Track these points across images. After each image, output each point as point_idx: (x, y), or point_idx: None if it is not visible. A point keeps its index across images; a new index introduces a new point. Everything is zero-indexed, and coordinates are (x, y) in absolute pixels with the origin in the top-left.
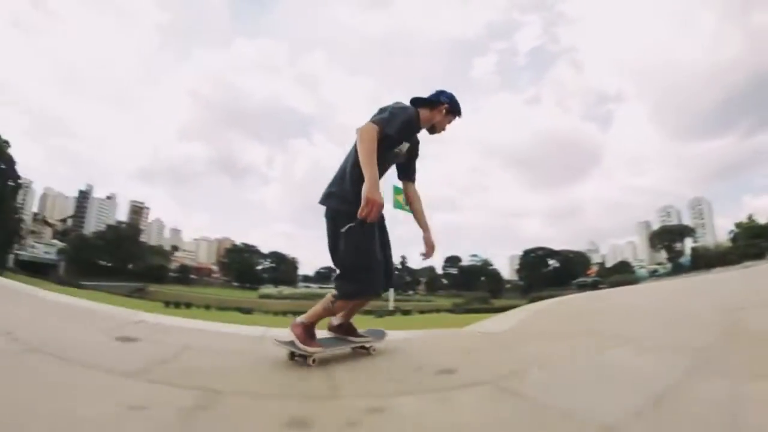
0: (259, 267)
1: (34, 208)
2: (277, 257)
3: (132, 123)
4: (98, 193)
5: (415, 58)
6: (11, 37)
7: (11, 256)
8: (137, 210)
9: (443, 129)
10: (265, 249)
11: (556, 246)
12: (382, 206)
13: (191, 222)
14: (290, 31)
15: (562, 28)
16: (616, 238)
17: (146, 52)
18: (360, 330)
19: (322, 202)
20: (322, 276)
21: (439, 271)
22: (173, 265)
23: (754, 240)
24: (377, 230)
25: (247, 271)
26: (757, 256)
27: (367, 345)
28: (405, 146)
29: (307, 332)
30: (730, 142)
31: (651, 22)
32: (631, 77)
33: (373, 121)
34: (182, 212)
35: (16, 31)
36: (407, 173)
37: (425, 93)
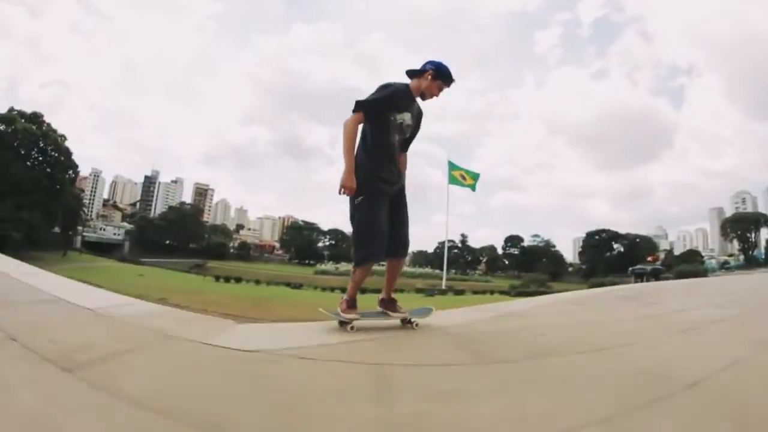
0: (320, 244)
1: (105, 195)
2: (337, 234)
3: (194, 111)
4: (164, 178)
5: (475, 34)
6: (71, 42)
7: (79, 238)
8: (201, 192)
9: (433, 95)
10: (326, 226)
11: (623, 230)
12: (352, 190)
13: (258, 201)
14: (346, 13)
15: None
16: (687, 225)
17: (202, 43)
18: (403, 309)
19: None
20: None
21: (500, 251)
22: (235, 243)
23: None
24: (390, 206)
25: (307, 248)
26: None
27: (412, 320)
28: (406, 116)
29: (348, 304)
30: None
31: None
32: (704, 48)
33: (354, 109)
34: (248, 192)
35: (75, 35)
36: (406, 143)
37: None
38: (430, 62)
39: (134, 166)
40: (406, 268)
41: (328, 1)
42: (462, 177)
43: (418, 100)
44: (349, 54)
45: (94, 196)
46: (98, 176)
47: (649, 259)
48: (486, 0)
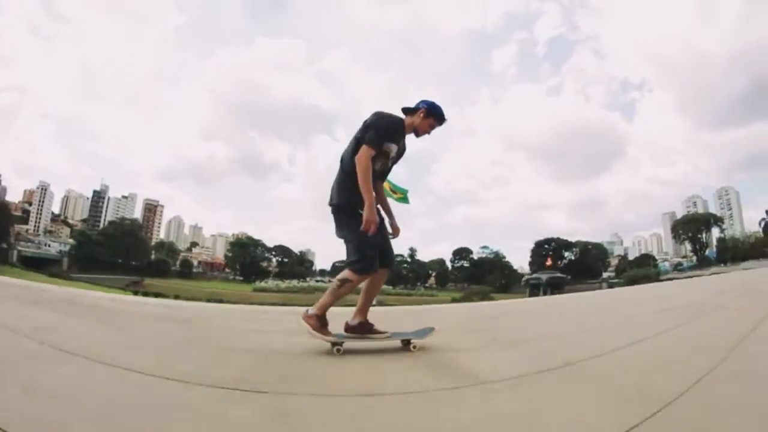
0: (265, 263)
1: (57, 210)
2: (283, 251)
3: (153, 124)
4: (119, 193)
5: (434, 52)
6: (31, 45)
7: (15, 252)
8: (151, 208)
9: (425, 132)
10: (271, 243)
11: (582, 239)
12: (378, 224)
13: (215, 219)
14: (309, 29)
15: (582, 16)
16: (642, 231)
17: (164, 55)
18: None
19: (330, 202)
20: (337, 269)
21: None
22: (185, 261)
23: None
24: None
25: (251, 265)
26: None
27: (411, 341)
28: (393, 147)
29: (320, 322)
30: (760, 129)
31: (673, 7)
32: (654, 64)
33: (367, 143)
34: (206, 210)
35: (35, 39)
36: (384, 174)
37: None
38: (423, 101)
39: (89, 180)
40: None
41: (292, 16)
42: (392, 190)
43: (410, 137)
44: (311, 70)
45: (41, 210)
46: (46, 189)
47: (548, 264)
48: (446, 19)
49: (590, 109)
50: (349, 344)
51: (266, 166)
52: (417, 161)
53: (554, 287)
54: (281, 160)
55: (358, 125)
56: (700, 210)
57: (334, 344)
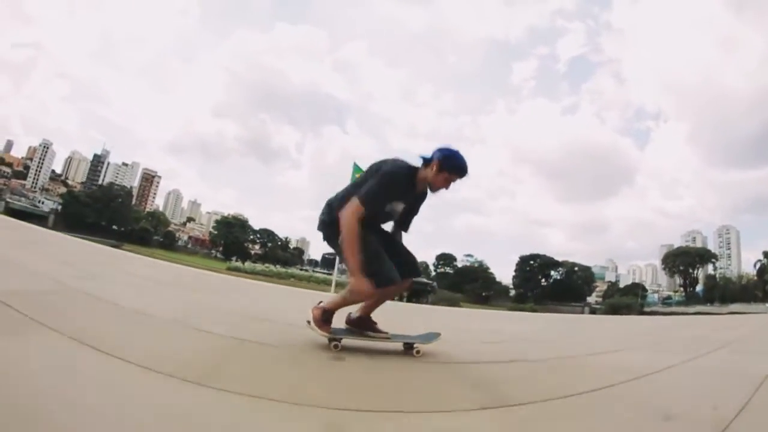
0: (250, 243)
1: (59, 169)
2: (267, 234)
3: (166, 95)
4: (125, 160)
5: (453, 55)
6: (55, 5)
7: (2, 203)
8: (148, 178)
9: (442, 188)
10: (270, 227)
11: (578, 260)
12: (370, 294)
13: (217, 197)
14: (332, 19)
15: (606, 38)
16: (639, 260)
17: (185, 28)
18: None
19: (318, 228)
20: (326, 261)
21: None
22: (165, 233)
23: None
24: (376, 235)
25: (233, 245)
26: None
27: (414, 345)
28: (399, 206)
29: (323, 316)
30: (766, 174)
31: (698, 41)
32: (673, 95)
33: (358, 198)
34: (209, 187)
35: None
36: (403, 224)
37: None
38: (438, 150)
39: (97, 144)
40: None
41: (316, 4)
42: None
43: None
44: (329, 60)
45: (41, 167)
46: (48, 148)
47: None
48: (470, 25)
49: (603, 132)
50: (348, 342)
51: (274, 151)
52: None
53: (414, 294)
54: (289, 147)
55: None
56: (699, 245)
57: (331, 340)
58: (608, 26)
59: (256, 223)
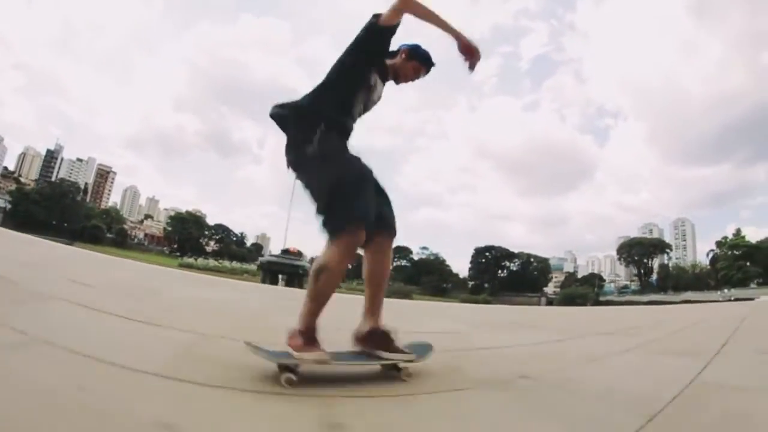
0: (204, 240)
1: (12, 166)
2: (222, 230)
3: (126, 88)
4: (79, 155)
5: None
6: None
7: None
8: (103, 174)
9: (409, 78)
10: (246, 228)
11: (538, 252)
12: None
13: (178, 194)
14: (296, 12)
15: (569, 39)
16: (597, 252)
17: (147, 20)
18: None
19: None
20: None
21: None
22: (118, 230)
23: (739, 262)
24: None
25: (187, 241)
26: (741, 282)
27: (400, 365)
28: (380, 88)
29: (304, 338)
30: (722, 171)
31: (659, 43)
32: (632, 95)
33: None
34: (168, 184)
35: None
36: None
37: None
38: (404, 43)
39: (53, 139)
40: None
41: None
42: None
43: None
44: (293, 53)
45: None
46: None
47: (291, 249)
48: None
49: (564, 129)
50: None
51: (235, 146)
52: (386, 158)
53: (295, 278)
54: (251, 142)
55: None
56: (656, 236)
57: (286, 368)
58: (571, 26)
59: (216, 220)
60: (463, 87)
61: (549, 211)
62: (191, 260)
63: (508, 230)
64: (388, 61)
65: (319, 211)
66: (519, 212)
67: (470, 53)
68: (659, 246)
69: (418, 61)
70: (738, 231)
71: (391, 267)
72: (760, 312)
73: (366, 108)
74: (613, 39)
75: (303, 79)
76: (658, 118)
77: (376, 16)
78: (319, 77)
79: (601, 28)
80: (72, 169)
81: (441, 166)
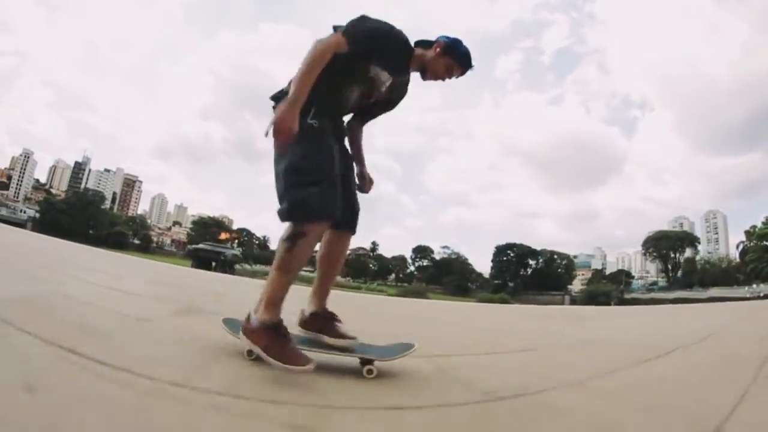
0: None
1: (43, 178)
2: (245, 233)
3: (152, 99)
4: (107, 166)
5: None
6: (35, 15)
7: None
8: (129, 183)
9: (438, 76)
10: (260, 230)
11: (568, 250)
12: (292, 132)
13: (207, 201)
14: (315, 18)
15: (590, 30)
16: (628, 248)
17: (170, 31)
18: (351, 332)
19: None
20: (309, 261)
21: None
22: (142, 236)
23: None
24: (339, 155)
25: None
26: None
27: (373, 361)
28: (384, 75)
29: (276, 337)
30: (754, 159)
31: (681, 29)
32: (658, 84)
33: (342, 32)
34: (198, 191)
35: (40, 9)
36: (366, 115)
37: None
38: (444, 35)
39: (82, 152)
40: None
41: (299, 4)
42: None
43: (415, 76)
44: None
45: (22, 177)
46: (29, 157)
47: (221, 237)
48: (452, 18)
49: (590, 122)
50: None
51: (260, 151)
52: (413, 157)
53: (228, 267)
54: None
55: None
56: (687, 230)
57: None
58: (592, 17)
59: (246, 225)
60: (485, 84)
61: (578, 206)
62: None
63: (538, 227)
64: (418, 51)
65: (281, 195)
66: (548, 209)
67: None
68: (687, 239)
69: (453, 59)
70: (767, 219)
71: (342, 258)
72: None
73: (368, 98)
74: (634, 27)
75: None
76: (685, 106)
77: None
78: None
79: (620, 16)
80: (100, 180)
81: (468, 164)
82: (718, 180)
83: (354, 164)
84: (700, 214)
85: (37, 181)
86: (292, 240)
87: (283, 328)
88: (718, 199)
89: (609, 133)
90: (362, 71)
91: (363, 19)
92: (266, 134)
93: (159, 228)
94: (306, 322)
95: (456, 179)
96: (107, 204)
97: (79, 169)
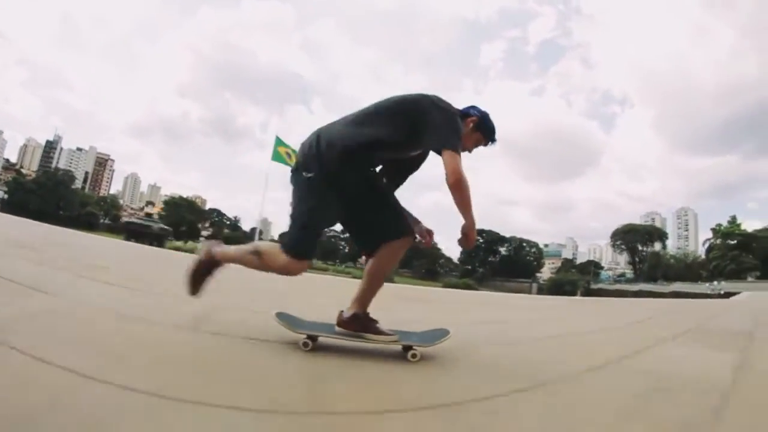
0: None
1: (13, 158)
2: (217, 214)
3: (130, 77)
4: (83, 145)
5: (422, 34)
6: None
7: None
8: (102, 162)
9: (467, 150)
10: (236, 210)
11: (541, 239)
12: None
13: (183, 181)
14: None
15: (576, 23)
16: (600, 239)
17: (150, 6)
18: (390, 330)
19: (296, 165)
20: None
21: None
22: (112, 216)
23: (734, 252)
24: (354, 199)
25: (180, 225)
26: (735, 274)
27: (414, 347)
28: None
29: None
30: (731, 161)
31: (668, 30)
32: (640, 82)
33: (452, 149)
34: (174, 171)
35: None
36: (401, 179)
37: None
38: (474, 107)
39: (58, 130)
40: None
41: None
42: (287, 155)
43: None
44: (297, 38)
45: None
46: None
47: (148, 212)
48: (440, 3)
49: (570, 114)
50: (325, 340)
51: (238, 131)
52: None
53: (157, 240)
54: (254, 127)
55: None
56: (658, 226)
57: (307, 337)
58: (578, 11)
59: (220, 206)
60: (468, 70)
61: (554, 197)
62: (179, 243)
63: (514, 215)
64: None
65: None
66: (525, 197)
67: (468, 242)
68: (655, 234)
69: (483, 134)
70: (733, 218)
71: (394, 266)
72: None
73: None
74: (620, 24)
75: (306, 64)
76: (665, 105)
77: (449, 145)
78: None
79: (607, 12)
80: (72, 159)
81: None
82: (694, 179)
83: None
84: (673, 211)
85: (7, 161)
86: (255, 254)
87: (200, 274)
88: (692, 197)
89: (589, 127)
90: (411, 149)
91: (450, 118)
92: (466, 246)
93: (132, 208)
94: (346, 323)
95: (434, 164)
96: (78, 184)
97: (50, 148)
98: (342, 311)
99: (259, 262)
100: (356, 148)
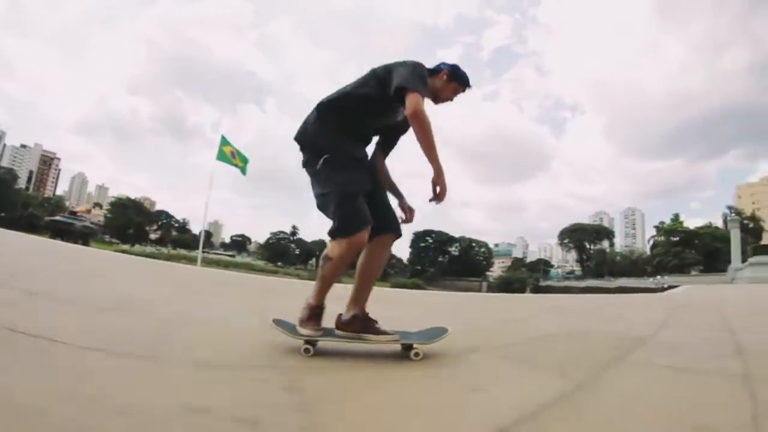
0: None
1: None
2: (165, 216)
3: (79, 69)
4: (28, 142)
5: (379, 37)
6: None
7: None
8: (47, 160)
9: (447, 99)
10: (184, 212)
11: (492, 239)
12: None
13: (132, 181)
14: None
15: (532, 32)
16: (550, 239)
17: None
18: (390, 330)
19: (297, 136)
20: (235, 243)
21: None
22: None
23: (676, 248)
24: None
25: (126, 227)
26: (678, 268)
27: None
28: (402, 113)
29: (311, 313)
30: (677, 164)
31: (621, 40)
32: (592, 90)
33: (416, 90)
34: (121, 170)
35: None
36: (388, 146)
37: None
38: (443, 63)
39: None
40: None
41: None
42: (232, 154)
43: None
44: (253, 35)
45: None
46: None
47: (76, 212)
48: (398, 7)
49: (522, 119)
50: (326, 344)
51: (189, 130)
52: None
53: (81, 238)
54: (205, 126)
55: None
56: (606, 225)
57: (306, 342)
58: (535, 20)
59: (170, 207)
60: None
61: (505, 198)
62: (126, 246)
63: (466, 216)
64: (429, 81)
65: (328, 217)
66: (476, 199)
67: (440, 192)
68: (602, 232)
69: (458, 83)
70: (676, 216)
71: (384, 262)
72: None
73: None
74: (576, 35)
75: (262, 63)
76: (616, 112)
77: (411, 86)
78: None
79: (564, 23)
80: (15, 156)
81: (398, 151)
82: (643, 182)
83: (397, 196)
84: (620, 211)
85: None
86: (324, 261)
87: (319, 310)
88: (640, 198)
89: (540, 132)
90: (392, 109)
91: (413, 68)
92: (431, 200)
93: (78, 210)
94: (346, 324)
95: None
96: (22, 183)
97: None
98: (340, 314)
99: (332, 263)
100: (327, 102)
